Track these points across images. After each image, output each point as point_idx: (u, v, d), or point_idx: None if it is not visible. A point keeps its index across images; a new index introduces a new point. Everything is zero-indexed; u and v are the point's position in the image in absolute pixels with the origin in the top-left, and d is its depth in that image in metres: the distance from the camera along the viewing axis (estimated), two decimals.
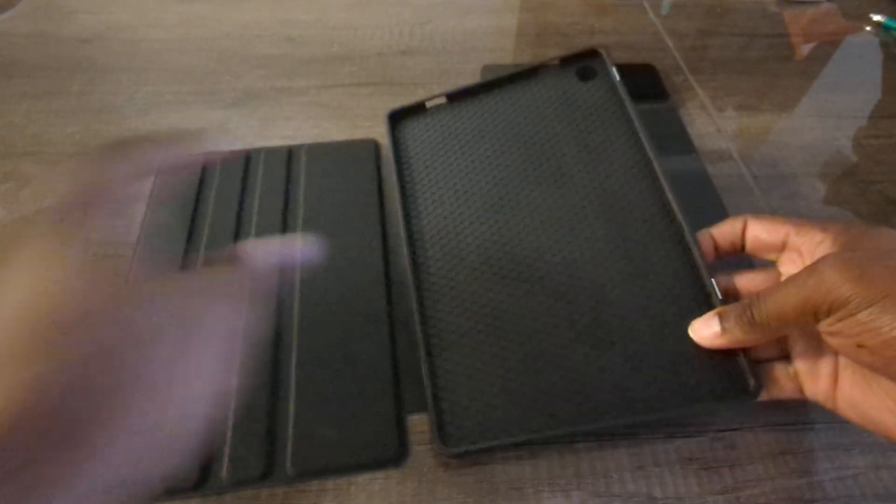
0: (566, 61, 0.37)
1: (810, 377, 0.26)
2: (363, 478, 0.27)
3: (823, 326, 0.23)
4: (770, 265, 0.29)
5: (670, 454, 0.28)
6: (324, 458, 0.27)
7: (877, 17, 0.56)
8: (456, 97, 0.38)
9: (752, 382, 0.26)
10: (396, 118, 0.38)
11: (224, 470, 0.27)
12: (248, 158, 0.40)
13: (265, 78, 0.47)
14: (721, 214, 0.38)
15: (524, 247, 0.31)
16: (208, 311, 0.18)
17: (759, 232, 0.28)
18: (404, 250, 0.32)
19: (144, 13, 0.54)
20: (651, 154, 0.32)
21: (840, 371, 0.25)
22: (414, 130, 0.38)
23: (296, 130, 0.43)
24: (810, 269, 0.23)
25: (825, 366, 0.26)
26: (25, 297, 0.15)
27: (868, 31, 0.55)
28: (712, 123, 0.45)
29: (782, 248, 0.27)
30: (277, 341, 0.31)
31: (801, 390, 0.27)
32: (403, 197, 0.35)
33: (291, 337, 0.31)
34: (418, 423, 0.29)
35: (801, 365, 0.27)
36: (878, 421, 0.24)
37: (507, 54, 0.51)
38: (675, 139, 0.43)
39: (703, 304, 0.28)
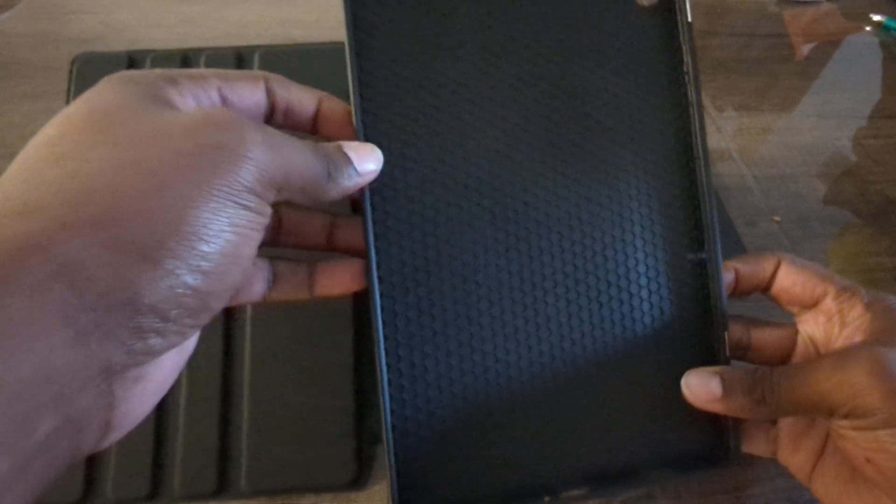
0: None
1: (790, 446, 0.24)
2: (320, 497, 0.26)
3: (836, 425, 0.21)
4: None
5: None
6: (280, 476, 0.26)
7: (877, 17, 0.56)
8: None
9: (732, 447, 0.23)
10: None
11: (176, 483, 0.25)
12: (184, 60, 0.32)
13: None
14: (721, 215, 0.38)
15: (516, 234, 0.23)
16: None
17: (792, 282, 0.24)
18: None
19: (144, 13, 0.53)
20: (696, 141, 0.25)
21: (826, 455, 0.23)
22: (383, 6, 0.25)
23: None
24: (839, 361, 0.20)
25: (812, 441, 0.24)
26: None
27: (868, 31, 0.55)
28: (712, 123, 0.45)
29: (812, 305, 0.24)
30: (228, 342, 0.28)
31: (774, 452, 0.25)
32: (363, 113, 0.22)
33: (244, 338, 0.28)
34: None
35: (785, 430, 0.25)
36: None
37: None
38: None
39: (705, 355, 0.24)
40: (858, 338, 0.22)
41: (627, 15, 0.25)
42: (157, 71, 0.17)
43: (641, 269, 0.24)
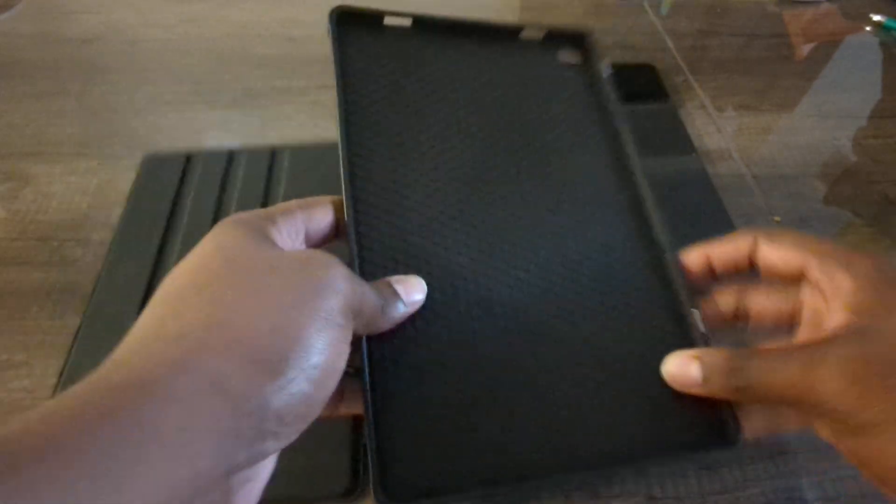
0: (552, 38, 0.32)
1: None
2: None
3: (818, 425, 0.21)
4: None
5: (654, 468, 0.28)
6: (274, 486, 0.25)
7: (877, 17, 0.56)
8: (423, 25, 0.29)
9: (731, 429, 0.23)
10: (345, 21, 0.28)
11: None
12: (230, 158, 0.39)
13: (265, 78, 0.47)
14: (721, 215, 0.38)
15: (491, 247, 0.25)
16: None
17: (773, 260, 0.24)
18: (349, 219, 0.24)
19: (144, 13, 0.54)
20: (634, 167, 0.28)
21: None
22: (365, 48, 0.29)
23: (296, 130, 0.43)
24: (810, 357, 0.19)
25: None
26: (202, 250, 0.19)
27: (868, 31, 0.55)
28: (712, 123, 0.45)
29: (800, 279, 0.23)
30: None
31: (778, 427, 0.23)
32: (349, 143, 0.25)
33: None
34: None
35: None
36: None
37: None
38: (675, 139, 0.43)
39: (683, 337, 0.25)
40: (840, 317, 0.21)
41: (556, 73, 0.31)
42: (260, 212, 0.21)
43: (619, 270, 0.26)
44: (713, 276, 0.26)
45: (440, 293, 0.24)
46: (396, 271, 0.23)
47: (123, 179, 0.39)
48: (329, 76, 0.46)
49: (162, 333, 0.16)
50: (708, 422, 0.23)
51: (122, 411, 0.14)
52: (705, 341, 0.24)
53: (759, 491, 0.27)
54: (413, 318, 0.23)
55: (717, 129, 0.45)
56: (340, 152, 0.25)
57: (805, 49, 0.53)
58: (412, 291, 0.22)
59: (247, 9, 0.54)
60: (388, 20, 0.30)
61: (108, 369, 0.15)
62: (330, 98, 0.45)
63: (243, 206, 0.36)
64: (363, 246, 0.23)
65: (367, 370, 0.22)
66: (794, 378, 0.19)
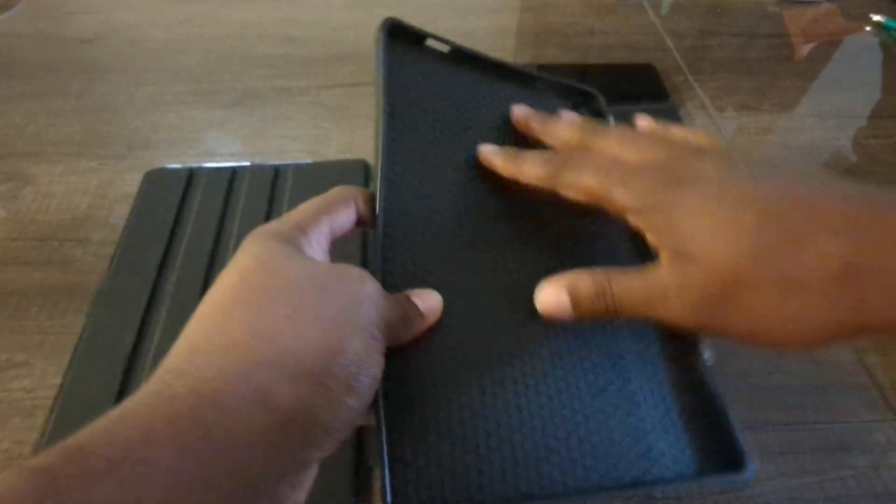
0: (565, 90, 0.35)
1: None
2: None
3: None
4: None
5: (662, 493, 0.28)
6: None
7: (877, 17, 0.56)
8: (458, 54, 0.31)
9: (742, 454, 0.23)
10: (393, 33, 0.29)
11: None
12: (233, 175, 0.38)
13: (265, 78, 0.47)
14: None
15: (507, 270, 0.26)
16: None
17: None
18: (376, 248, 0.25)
19: (144, 13, 0.54)
20: None
21: None
22: (408, 64, 0.30)
23: (295, 130, 0.43)
24: (648, 275, 0.21)
25: None
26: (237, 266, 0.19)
27: (868, 31, 0.55)
28: (712, 123, 0.45)
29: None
30: None
31: None
32: (387, 152, 0.26)
33: None
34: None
35: None
36: None
37: (507, 54, 0.51)
38: None
39: (693, 367, 0.25)
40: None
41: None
42: (287, 221, 0.21)
43: None
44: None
45: (456, 311, 0.24)
46: (415, 286, 0.24)
47: (123, 179, 0.39)
48: (329, 76, 0.46)
49: (211, 346, 0.17)
50: (717, 448, 0.23)
51: (183, 421, 0.15)
52: (711, 372, 0.25)
53: (759, 491, 0.27)
54: (428, 333, 0.23)
55: (717, 129, 0.45)
56: (379, 159, 0.25)
57: (805, 49, 0.53)
58: (430, 304, 0.23)
59: (247, 9, 0.54)
60: (429, 42, 0.31)
61: (164, 379, 0.16)
62: (330, 98, 0.45)
63: (246, 223, 0.36)
64: (387, 258, 0.24)
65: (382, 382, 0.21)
66: (643, 300, 0.21)
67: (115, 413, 0.15)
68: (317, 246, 0.22)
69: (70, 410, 0.28)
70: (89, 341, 0.30)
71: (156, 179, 0.38)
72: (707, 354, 0.25)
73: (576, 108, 0.35)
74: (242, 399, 0.16)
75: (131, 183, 0.38)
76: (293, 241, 0.21)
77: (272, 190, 0.37)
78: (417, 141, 0.27)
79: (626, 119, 0.47)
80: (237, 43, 0.50)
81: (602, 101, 0.36)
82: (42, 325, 0.31)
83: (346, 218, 0.23)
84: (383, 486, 0.20)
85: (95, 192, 0.38)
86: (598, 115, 0.35)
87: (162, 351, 0.27)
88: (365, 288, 0.20)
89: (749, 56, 0.52)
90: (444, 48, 0.32)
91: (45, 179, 0.39)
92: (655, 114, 0.47)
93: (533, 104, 0.32)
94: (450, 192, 0.27)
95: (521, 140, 0.31)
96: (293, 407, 0.16)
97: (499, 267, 0.26)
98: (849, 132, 0.45)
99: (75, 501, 0.13)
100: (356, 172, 0.39)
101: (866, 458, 0.28)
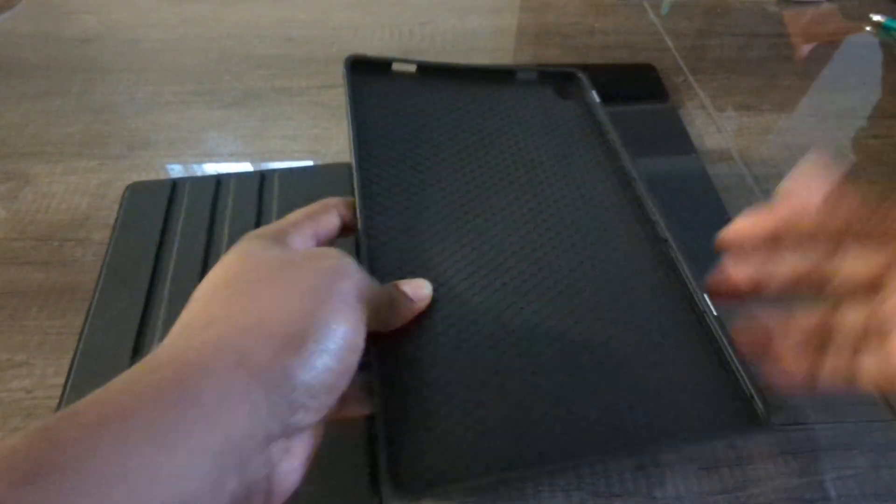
0: (545, 76, 0.36)
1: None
2: None
3: None
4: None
5: (670, 454, 0.28)
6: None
7: (877, 17, 0.56)
8: (427, 71, 0.33)
9: (760, 408, 0.23)
10: (358, 69, 0.32)
11: None
12: (217, 183, 0.37)
13: (265, 78, 0.47)
14: (721, 215, 0.38)
15: (492, 259, 0.26)
16: None
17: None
18: (363, 250, 0.26)
19: (144, 13, 0.54)
20: (635, 175, 0.31)
21: None
22: (375, 91, 0.32)
23: (295, 130, 0.43)
24: None
25: None
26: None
27: (868, 31, 0.55)
28: (712, 123, 0.45)
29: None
30: None
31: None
32: (362, 175, 0.27)
33: None
34: None
35: None
36: None
37: (507, 54, 0.51)
38: (675, 139, 0.43)
39: (695, 323, 0.26)
40: None
41: (557, 110, 0.35)
42: (273, 226, 0.23)
43: (625, 264, 0.28)
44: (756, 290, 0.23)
45: (447, 294, 0.25)
46: (403, 276, 0.25)
47: (123, 179, 0.39)
48: (328, 76, 0.47)
49: (196, 322, 0.19)
50: (732, 403, 0.23)
51: (166, 383, 0.16)
52: (719, 323, 0.25)
53: (759, 491, 0.27)
54: (421, 317, 0.24)
55: (717, 129, 0.45)
56: (355, 183, 0.27)
57: (805, 49, 0.53)
58: (419, 290, 0.24)
59: (246, 9, 0.54)
60: (395, 66, 0.33)
61: (157, 353, 0.17)
62: (329, 98, 0.45)
63: (235, 230, 0.35)
64: (374, 257, 0.25)
65: (378, 364, 0.22)
66: None
67: (104, 386, 0.16)
68: (300, 242, 0.23)
69: None
70: (81, 367, 0.29)
71: (137, 192, 0.37)
72: (710, 304, 0.25)
73: (560, 92, 0.36)
74: (221, 364, 0.17)
75: (115, 212, 0.37)
76: (279, 239, 0.22)
77: (259, 196, 0.37)
78: (388, 160, 0.29)
79: (626, 119, 0.47)
80: (237, 43, 0.50)
81: (585, 79, 0.36)
82: (42, 325, 0.31)
83: (329, 223, 0.25)
84: (382, 466, 0.20)
85: (95, 192, 0.38)
86: (583, 95, 0.36)
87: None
88: (342, 262, 0.21)
89: (749, 56, 0.52)
90: (413, 68, 0.33)
91: (45, 179, 0.39)
92: (655, 114, 0.47)
93: (514, 99, 0.34)
94: (430, 193, 0.28)
95: (496, 137, 0.32)
96: (271, 366, 0.17)
97: (484, 246, 0.27)
98: (849, 132, 0.45)
99: (68, 447, 0.14)
100: (342, 176, 0.36)
101: (866, 458, 0.28)
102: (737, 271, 0.23)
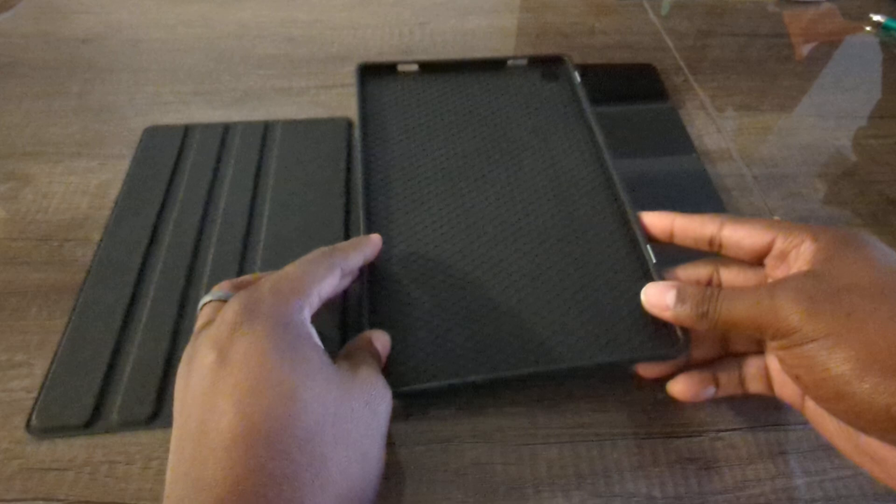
0: (534, 62, 0.40)
1: (780, 378, 0.27)
2: None
3: (771, 346, 0.24)
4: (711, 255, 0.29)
5: (670, 454, 0.28)
6: None
7: (877, 17, 0.56)
8: (427, 68, 0.39)
9: (680, 340, 0.27)
10: (367, 73, 0.39)
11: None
12: (225, 130, 0.41)
13: (265, 78, 0.47)
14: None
15: (477, 213, 0.33)
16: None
17: (739, 237, 0.27)
18: (360, 199, 0.33)
19: (144, 13, 0.54)
20: (602, 144, 0.35)
21: None
22: (383, 90, 0.38)
23: None
24: (770, 289, 0.23)
25: None
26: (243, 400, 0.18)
27: (868, 31, 0.55)
28: (712, 123, 0.45)
29: (767, 252, 0.26)
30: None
31: (771, 389, 0.27)
32: (366, 156, 0.35)
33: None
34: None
35: (772, 364, 0.27)
36: (835, 435, 0.24)
37: (507, 54, 0.51)
38: (674, 139, 0.43)
39: (640, 268, 0.31)
40: (803, 268, 0.24)
41: (544, 92, 0.40)
42: (280, 296, 0.21)
43: (588, 218, 0.33)
44: (670, 241, 0.30)
45: (434, 240, 0.32)
46: (396, 227, 0.32)
47: (123, 179, 0.39)
48: (328, 76, 0.47)
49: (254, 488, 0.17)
50: (659, 335, 0.28)
51: None
52: (657, 269, 0.30)
53: (759, 491, 0.27)
54: (408, 257, 0.30)
55: (717, 129, 0.45)
56: (360, 176, 0.33)
57: (805, 49, 0.53)
58: (384, 345, 0.26)
59: (247, 9, 0.54)
60: (400, 67, 0.39)
61: None
62: (329, 98, 0.45)
63: (239, 172, 0.39)
64: (372, 212, 0.32)
65: (368, 291, 0.29)
66: (755, 306, 0.23)
67: None
68: (309, 314, 0.23)
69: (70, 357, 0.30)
70: (86, 300, 0.32)
71: (153, 135, 0.41)
72: (651, 254, 0.30)
73: (547, 75, 0.40)
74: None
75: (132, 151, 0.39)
76: (296, 326, 0.21)
77: (263, 142, 0.41)
78: (394, 153, 0.35)
79: (626, 119, 0.47)
80: (237, 43, 0.50)
81: (569, 63, 0.40)
82: (42, 325, 0.31)
83: (331, 285, 0.25)
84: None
85: (95, 192, 0.38)
86: (568, 76, 0.40)
87: (160, 296, 0.32)
88: (385, 392, 0.24)
89: (749, 56, 0.52)
90: (415, 67, 0.39)
91: (45, 179, 0.39)
92: (655, 114, 0.47)
93: (505, 84, 0.39)
94: (430, 167, 0.35)
95: (492, 119, 0.37)
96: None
97: (466, 203, 0.33)
98: (849, 132, 0.45)
99: None
100: (340, 130, 0.42)
101: None
102: (650, 222, 0.31)
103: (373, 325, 0.28)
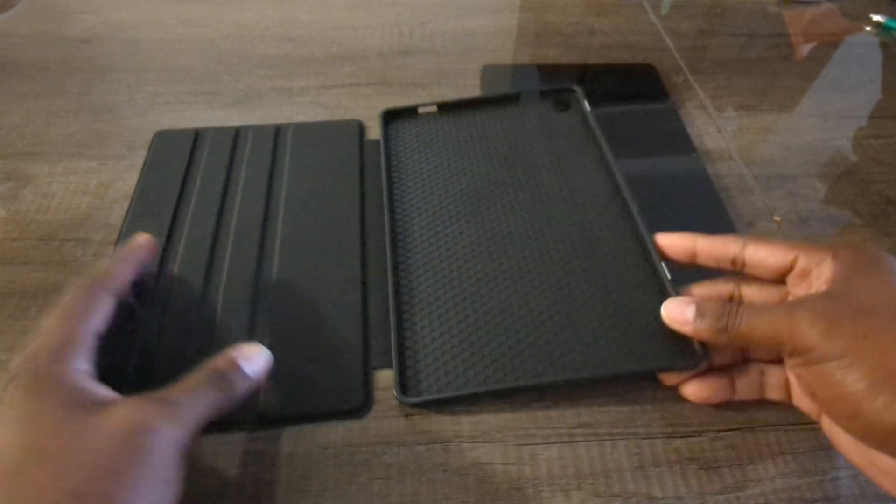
0: (545, 94, 0.43)
1: (799, 389, 0.27)
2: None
3: (788, 363, 0.24)
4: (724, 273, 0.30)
5: (670, 454, 0.28)
6: (290, 405, 0.29)
7: (877, 17, 0.56)
8: (446, 109, 0.42)
9: (698, 352, 0.28)
10: (390, 117, 0.42)
11: None
12: (237, 134, 0.41)
13: (265, 78, 0.47)
14: (721, 215, 0.38)
15: (499, 234, 0.35)
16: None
17: (762, 256, 0.27)
18: (385, 224, 0.35)
19: (144, 13, 0.54)
20: (615, 169, 0.36)
21: None
22: (405, 131, 0.41)
23: None
24: (788, 308, 0.24)
25: None
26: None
27: (868, 31, 0.55)
28: (712, 123, 0.45)
29: (789, 271, 0.27)
30: (255, 297, 0.32)
31: (790, 397, 0.28)
32: (390, 187, 0.38)
33: (267, 293, 0.32)
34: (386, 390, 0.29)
35: (793, 376, 0.27)
36: (850, 450, 0.25)
37: (507, 54, 0.51)
38: (675, 139, 0.43)
39: (656, 284, 0.31)
40: (822, 288, 0.24)
41: (557, 121, 0.42)
42: (51, 355, 0.22)
43: (604, 238, 0.34)
44: (693, 263, 0.30)
45: (455, 262, 0.33)
46: (424, 252, 0.34)
47: (123, 179, 0.39)
48: (328, 76, 0.48)
49: None
50: (678, 346, 0.29)
51: None
52: (672, 285, 0.30)
53: (759, 491, 0.27)
54: (433, 276, 0.33)
55: (717, 129, 0.45)
56: (385, 213, 0.36)
57: (805, 49, 0.53)
58: (254, 361, 0.25)
59: (246, 9, 0.54)
60: (420, 110, 0.42)
61: None
62: (329, 98, 0.45)
63: (252, 176, 0.39)
64: (399, 239, 0.35)
65: (394, 310, 0.31)
66: (773, 323, 0.24)
67: None
68: (89, 364, 0.22)
69: None
70: None
71: (164, 139, 0.41)
72: (667, 271, 0.31)
73: (559, 105, 0.42)
74: None
75: (131, 183, 0.38)
76: (72, 391, 0.21)
77: (275, 144, 0.41)
78: (417, 184, 0.38)
79: (626, 119, 0.47)
80: (237, 43, 0.50)
81: (580, 93, 0.42)
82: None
83: (102, 312, 0.24)
84: (395, 383, 0.29)
85: (95, 192, 0.38)
86: (579, 106, 0.41)
87: (179, 289, 0.32)
88: (158, 443, 0.21)
89: (749, 56, 0.52)
90: (434, 108, 0.42)
91: (45, 179, 0.39)
92: (655, 114, 0.47)
93: (519, 117, 0.42)
94: (442, 196, 0.37)
95: (508, 147, 0.40)
96: None
97: (486, 228, 0.35)
98: (849, 132, 0.45)
99: None
100: (351, 132, 0.42)
101: None
102: (668, 244, 0.31)
103: (400, 341, 0.30)
